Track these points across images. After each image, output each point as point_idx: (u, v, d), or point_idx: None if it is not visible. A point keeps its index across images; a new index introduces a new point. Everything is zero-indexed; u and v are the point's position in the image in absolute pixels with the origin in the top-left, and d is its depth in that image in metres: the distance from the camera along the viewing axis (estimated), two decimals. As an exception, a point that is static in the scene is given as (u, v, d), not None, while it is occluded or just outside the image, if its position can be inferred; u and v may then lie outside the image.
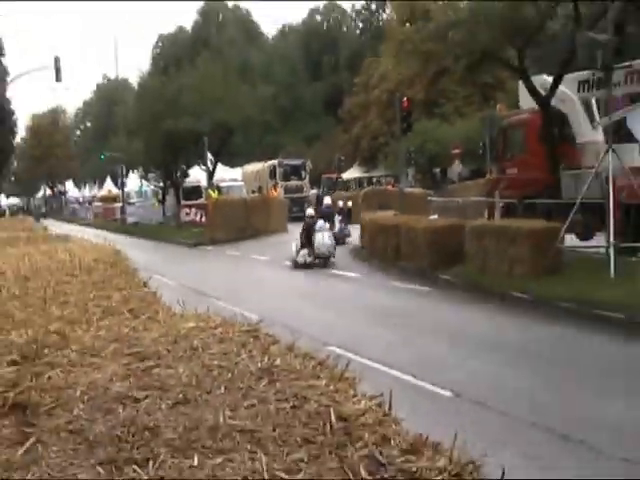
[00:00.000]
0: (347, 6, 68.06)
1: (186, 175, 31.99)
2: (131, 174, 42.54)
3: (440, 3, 17.82)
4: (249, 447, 1.78)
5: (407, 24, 43.01)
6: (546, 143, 13.72)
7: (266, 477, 1.63)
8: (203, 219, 26.14)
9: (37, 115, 63.41)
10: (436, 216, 16.12)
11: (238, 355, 2.48)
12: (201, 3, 70.00)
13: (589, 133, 14.13)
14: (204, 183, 29.67)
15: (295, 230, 25.01)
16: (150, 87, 33.31)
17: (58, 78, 29.19)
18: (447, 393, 5.84)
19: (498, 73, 37.64)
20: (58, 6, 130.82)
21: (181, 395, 2.11)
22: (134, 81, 66.91)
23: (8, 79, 34.86)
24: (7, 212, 48.79)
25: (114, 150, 39.56)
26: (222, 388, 2.17)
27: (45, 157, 58.34)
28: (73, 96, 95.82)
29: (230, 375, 2.28)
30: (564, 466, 4.32)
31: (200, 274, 15.24)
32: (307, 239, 15.29)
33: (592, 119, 14.35)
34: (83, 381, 2.23)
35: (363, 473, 1.67)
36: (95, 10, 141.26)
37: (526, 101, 15.10)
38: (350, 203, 23.01)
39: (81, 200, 59.71)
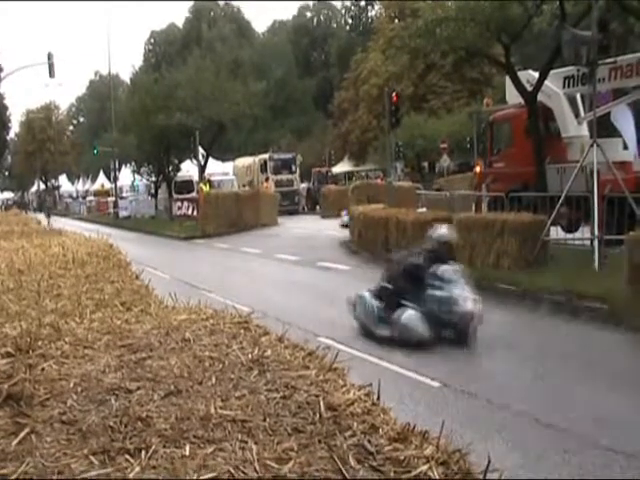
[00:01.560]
0: (337, 3, 68.03)
1: (178, 169, 31.92)
2: (124, 168, 42.36)
3: (428, 0, 17.91)
4: (240, 437, 1.79)
5: (396, 20, 43.01)
6: (532, 137, 13.83)
7: (256, 466, 1.64)
8: (195, 213, 26.08)
9: (31, 110, 62.91)
10: (424, 209, 16.19)
11: (229, 346, 2.51)
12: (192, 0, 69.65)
13: (574, 128, 14.25)
14: (196, 177, 29.61)
15: (286, 223, 25.04)
16: (142, 83, 33.20)
17: (51, 74, 28.99)
18: (435, 383, 5.92)
19: (485, 69, 37.87)
20: (51, 2, 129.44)
21: (173, 386, 2.12)
22: (126, 77, 66.67)
23: (2, 75, 34.49)
24: (2, 207, 48.19)
25: (107, 145, 39.38)
26: (213, 379, 2.18)
27: (39, 152, 57.92)
28: (66, 92, 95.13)
29: (221, 366, 2.30)
30: (549, 454, 4.40)
31: (192, 267, 15.22)
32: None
33: (577, 114, 14.48)
34: (76, 373, 2.24)
35: (352, 461, 1.70)
36: (88, 6, 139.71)
37: (513, 96, 15.19)
38: None
39: (74, 194, 59.45)
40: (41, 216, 25.34)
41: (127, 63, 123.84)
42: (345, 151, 49.52)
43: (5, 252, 5.25)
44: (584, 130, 13.84)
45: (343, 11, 65.77)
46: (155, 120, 27.21)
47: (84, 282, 4.16)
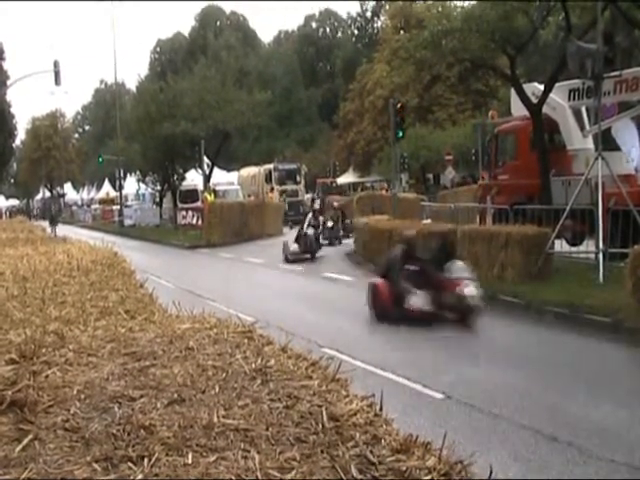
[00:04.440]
0: (342, 13, 68.50)
1: (183, 178, 32.08)
2: (129, 177, 42.60)
3: (434, 12, 18.05)
4: (242, 446, 1.79)
5: (401, 32, 43.29)
6: (537, 150, 13.85)
7: (259, 475, 1.64)
8: (200, 222, 26.17)
9: (36, 118, 63.36)
10: (429, 221, 16.21)
11: (232, 356, 2.51)
12: (198, 9, 70.29)
13: (579, 140, 14.27)
14: (201, 186, 29.76)
15: (291, 233, 25.13)
16: (148, 91, 33.45)
17: (57, 82, 29.21)
18: (438, 395, 5.90)
19: (490, 81, 38.03)
20: (58, 10, 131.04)
21: (176, 394, 2.13)
22: (132, 85, 67.14)
23: (8, 82, 34.80)
24: (7, 214, 48.22)
25: (112, 153, 39.59)
26: (216, 388, 2.19)
27: (44, 159, 58.28)
28: (72, 100, 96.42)
29: (224, 375, 2.31)
30: (552, 467, 4.38)
31: (196, 276, 15.24)
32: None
33: (582, 127, 14.51)
34: (80, 380, 2.25)
35: (354, 472, 1.70)
36: (94, 14, 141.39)
37: (518, 108, 15.24)
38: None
39: (79, 202, 59.80)
40: (45, 224, 25.45)
41: (133, 71, 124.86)
42: (350, 162, 49.68)
43: (10, 259, 5.28)
44: (589, 143, 13.86)
45: (349, 22, 66.22)
46: (160, 129, 27.39)
47: (88, 290, 4.18)
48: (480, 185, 18.84)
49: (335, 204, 21.99)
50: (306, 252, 16.59)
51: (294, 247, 16.91)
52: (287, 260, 16.47)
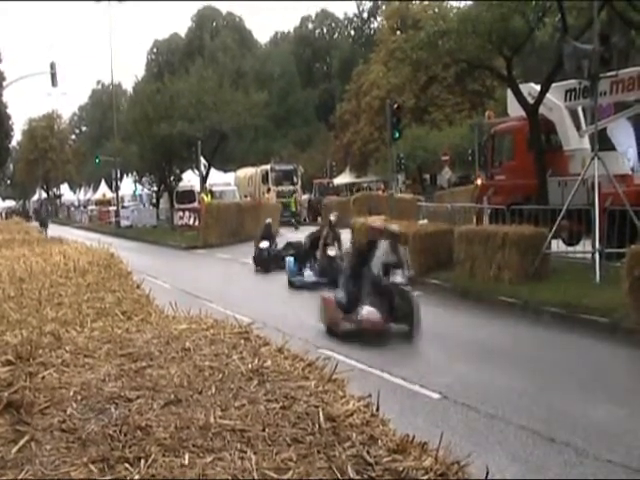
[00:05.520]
0: (339, 14, 68.63)
1: (180, 179, 32.08)
2: (125, 178, 42.57)
3: (431, 12, 18.15)
4: (239, 446, 1.79)
5: (398, 32, 43.40)
6: (534, 150, 13.88)
7: (255, 476, 1.64)
8: (196, 223, 26.18)
9: (33, 119, 63.31)
10: (426, 221, 16.21)
11: (229, 356, 2.51)
12: (195, 9, 70.35)
13: (576, 141, 14.30)
14: (198, 187, 29.76)
15: (287, 235, 25.06)
16: (145, 92, 33.49)
17: (54, 83, 29.25)
18: (435, 395, 5.91)
19: (487, 81, 38.13)
20: (55, 11, 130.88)
21: (173, 395, 2.12)
22: (129, 86, 67.17)
23: (4, 84, 34.78)
24: (3, 215, 48.09)
25: (109, 154, 39.61)
26: (213, 388, 2.18)
27: (41, 160, 58.24)
28: (69, 101, 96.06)
29: (221, 376, 2.30)
30: (550, 468, 4.38)
31: (193, 277, 15.22)
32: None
33: (579, 127, 14.54)
34: (76, 381, 2.25)
35: (351, 472, 1.70)
36: (90, 15, 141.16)
37: (514, 109, 15.26)
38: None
39: (76, 203, 59.76)
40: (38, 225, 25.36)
41: (130, 72, 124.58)
42: (347, 162, 49.74)
43: (6, 260, 5.26)
44: (585, 143, 13.89)
45: (345, 22, 66.33)
46: (157, 129, 27.44)
47: (85, 291, 4.17)
48: (477, 185, 18.87)
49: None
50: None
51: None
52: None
